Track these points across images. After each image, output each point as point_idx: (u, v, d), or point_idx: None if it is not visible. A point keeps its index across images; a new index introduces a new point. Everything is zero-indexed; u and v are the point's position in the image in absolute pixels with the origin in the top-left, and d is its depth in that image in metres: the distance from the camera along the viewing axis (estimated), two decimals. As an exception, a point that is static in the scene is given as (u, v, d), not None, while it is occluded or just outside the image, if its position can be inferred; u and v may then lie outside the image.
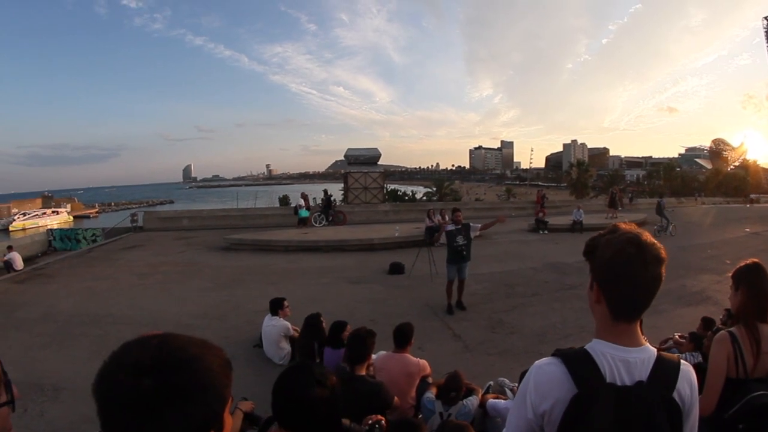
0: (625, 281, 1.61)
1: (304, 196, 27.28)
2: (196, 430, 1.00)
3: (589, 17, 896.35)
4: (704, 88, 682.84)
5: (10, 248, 19.44)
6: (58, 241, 27.47)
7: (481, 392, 5.26)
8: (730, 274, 3.10)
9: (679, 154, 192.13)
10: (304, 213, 26.20)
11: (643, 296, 1.63)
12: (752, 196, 62.74)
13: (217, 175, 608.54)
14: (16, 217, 69.11)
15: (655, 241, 1.65)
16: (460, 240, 10.10)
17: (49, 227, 37.22)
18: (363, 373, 4.56)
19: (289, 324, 7.78)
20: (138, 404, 0.95)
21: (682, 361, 1.70)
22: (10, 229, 62.97)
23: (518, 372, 5.31)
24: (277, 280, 13.50)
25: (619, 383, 1.58)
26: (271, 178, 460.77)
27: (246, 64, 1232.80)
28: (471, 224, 10.35)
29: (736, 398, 2.73)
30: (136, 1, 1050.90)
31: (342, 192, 39.56)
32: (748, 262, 3.00)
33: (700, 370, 4.51)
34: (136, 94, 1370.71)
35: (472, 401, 4.93)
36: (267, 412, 3.95)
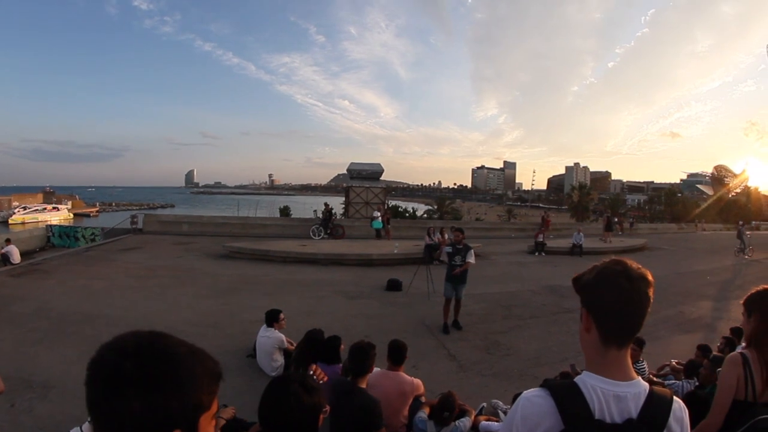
0: (612, 297, 1.61)
1: (381, 209, 29.09)
2: (158, 423, 1.06)
3: (597, 40, 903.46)
4: (708, 114, 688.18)
5: (8, 241, 19.46)
6: (56, 238, 27.39)
7: (474, 413, 5.23)
8: (742, 301, 3.09)
9: (681, 180, 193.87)
10: (377, 224, 26.93)
11: (631, 314, 1.62)
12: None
13: (220, 182, 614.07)
14: (16, 211, 69.22)
15: (641, 266, 1.65)
16: (458, 260, 10.06)
17: (48, 223, 37.20)
18: (364, 386, 4.52)
19: (283, 336, 7.72)
20: (114, 382, 1.04)
21: (674, 397, 1.67)
22: (10, 222, 63.13)
23: (512, 394, 5.30)
24: (274, 291, 13.43)
25: (608, 420, 1.56)
26: (273, 188, 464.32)
27: (253, 73, 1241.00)
28: (472, 249, 10.27)
29: (742, 420, 2.71)
30: (147, 3, 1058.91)
31: (343, 206, 39.58)
32: (759, 288, 2.99)
33: (695, 397, 4.50)
34: (142, 96, 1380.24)
35: (465, 422, 4.90)
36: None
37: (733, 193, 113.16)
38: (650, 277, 1.64)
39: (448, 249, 10.36)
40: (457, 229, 10.69)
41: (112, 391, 1.03)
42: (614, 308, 1.61)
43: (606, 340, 1.63)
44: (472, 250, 10.26)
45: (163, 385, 1.07)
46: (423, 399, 5.40)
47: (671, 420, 1.60)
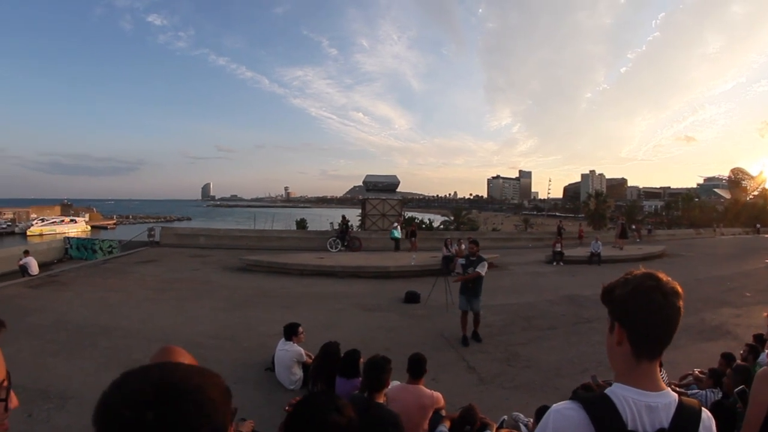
0: (647, 312, 1.60)
1: (399, 221, 30.50)
2: None
3: (608, 46, 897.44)
4: (722, 116, 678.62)
5: (26, 253, 19.62)
6: (74, 250, 27.63)
7: (495, 427, 5.13)
8: (767, 314, 3.01)
9: (698, 184, 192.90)
10: (395, 234, 27.41)
11: (665, 328, 1.62)
12: (758, 225, 61.77)
13: (236, 195, 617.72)
14: (34, 223, 70.50)
15: (670, 279, 1.65)
16: (471, 272, 10.05)
17: (66, 235, 37.52)
18: (381, 401, 4.44)
19: (302, 350, 7.67)
20: None
21: (703, 408, 1.66)
22: (28, 233, 64.48)
23: (533, 407, 5.19)
24: (292, 304, 13.37)
25: (640, 430, 1.54)
26: (289, 201, 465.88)
27: (267, 87, 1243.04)
28: (484, 261, 10.23)
29: None
30: (161, 18, 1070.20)
31: (359, 218, 39.60)
32: None
33: (721, 406, 4.38)
34: (158, 110, 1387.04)
35: (486, 436, 4.80)
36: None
37: (751, 196, 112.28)
38: (680, 290, 1.64)
39: (462, 261, 10.42)
40: (473, 241, 10.75)
41: None
42: (649, 323, 1.61)
43: (638, 353, 1.62)
44: (485, 262, 10.21)
45: (194, 424, 0.99)
46: (443, 412, 5.32)
47: (701, 430, 1.60)
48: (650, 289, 1.59)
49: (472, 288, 10.10)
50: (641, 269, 1.69)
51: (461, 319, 10.26)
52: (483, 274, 10.08)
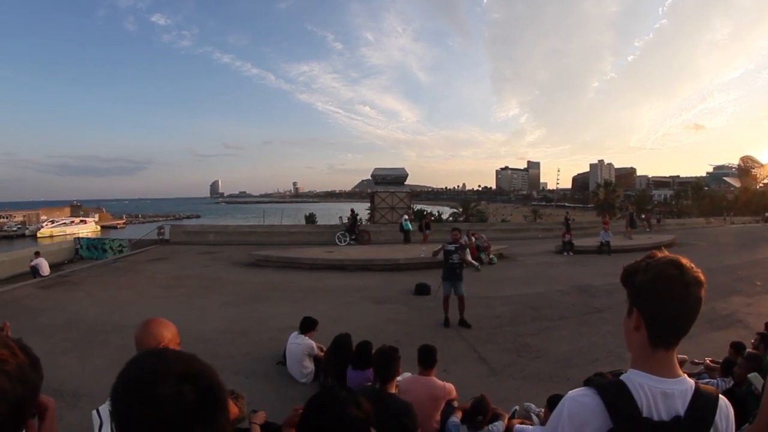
0: (667, 302, 1.57)
1: (409, 214, 31.05)
2: None
3: (615, 34, 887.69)
4: (731, 103, 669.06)
5: (37, 254, 19.76)
6: (84, 250, 27.75)
7: (506, 417, 5.13)
8: None
9: (707, 173, 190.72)
10: (406, 226, 27.63)
11: (684, 318, 1.59)
12: (767, 214, 61.21)
13: (244, 192, 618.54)
14: (44, 224, 70.99)
15: (693, 265, 1.61)
16: (455, 258, 10.53)
17: (76, 236, 37.71)
18: (393, 391, 4.44)
19: (314, 343, 7.66)
20: (182, 414, 0.93)
21: (720, 396, 1.63)
22: (38, 235, 65.10)
23: (544, 397, 5.17)
24: (301, 298, 13.39)
25: (656, 417, 1.52)
26: (297, 196, 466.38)
27: (273, 83, 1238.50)
28: (467, 248, 11.21)
29: None
30: (164, 18, 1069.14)
31: (368, 211, 39.61)
32: None
33: (732, 395, 4.33)
34: (164, 109, 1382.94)
35: (498, 426, 4.82)
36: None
37: (761, 184, 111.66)
38: (703, 278, 1.60)
39: (450, 247, 10.72)
40: (455, 228, 11.53)
41: (184, 424, 0.93)
42: (667, 314, 1.58)
43: (656, 341, 1.60)
44: (467, 248, 11.29)
45: (222, 401, 1.00)
46: (455, 403, 5.32)
47: (717, 417, 1.57)
48: (672, 278, 1.56)
49: (458, 273, 10.57)
50: (665, 253, 1.66)
51: (443, 303, 10.70)
52: (469, 259, 11.32)
